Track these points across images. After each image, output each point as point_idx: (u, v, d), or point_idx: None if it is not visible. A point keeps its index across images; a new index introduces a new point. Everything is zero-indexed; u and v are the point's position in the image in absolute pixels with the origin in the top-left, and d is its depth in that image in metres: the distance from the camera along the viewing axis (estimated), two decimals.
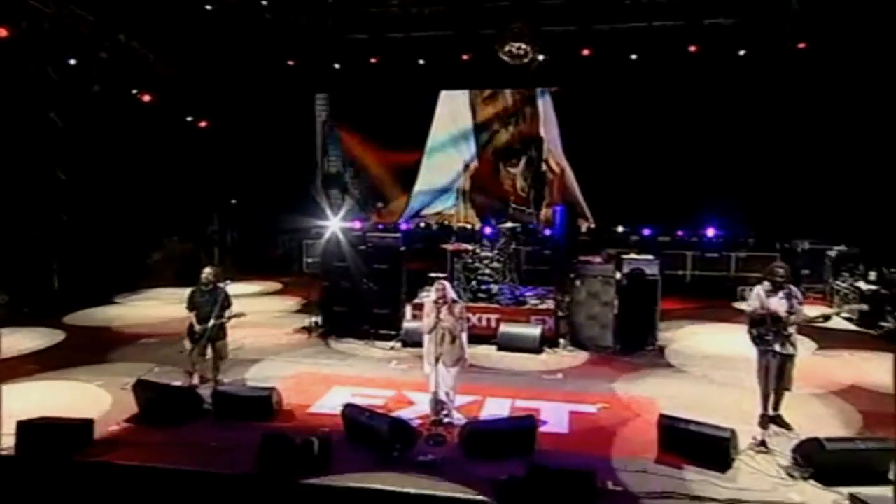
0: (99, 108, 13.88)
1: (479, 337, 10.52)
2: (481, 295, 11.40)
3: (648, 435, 7.14)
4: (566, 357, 10.35)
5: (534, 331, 10.63)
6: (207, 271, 8.61)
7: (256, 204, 18.26)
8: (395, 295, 11.50)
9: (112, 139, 14.37)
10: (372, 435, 6.74)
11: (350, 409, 7.09)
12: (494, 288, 11.42)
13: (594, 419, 7.83)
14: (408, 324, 10.97)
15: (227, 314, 8.58)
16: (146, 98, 14.59)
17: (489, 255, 11.68)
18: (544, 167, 16.93)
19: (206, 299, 8.52)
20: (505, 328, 10.74)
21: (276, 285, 15.96)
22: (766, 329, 7.04)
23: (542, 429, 7.33)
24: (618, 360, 10.12)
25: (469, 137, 17.83)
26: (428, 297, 7.48)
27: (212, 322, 8.25)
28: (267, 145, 17.46)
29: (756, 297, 7.24)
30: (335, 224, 14.02)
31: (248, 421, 7.45)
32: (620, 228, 15.86)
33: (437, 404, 7.36)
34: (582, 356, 10.36)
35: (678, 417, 6.80)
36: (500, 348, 10.53)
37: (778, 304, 7.06)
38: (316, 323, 11.73)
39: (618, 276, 10.67)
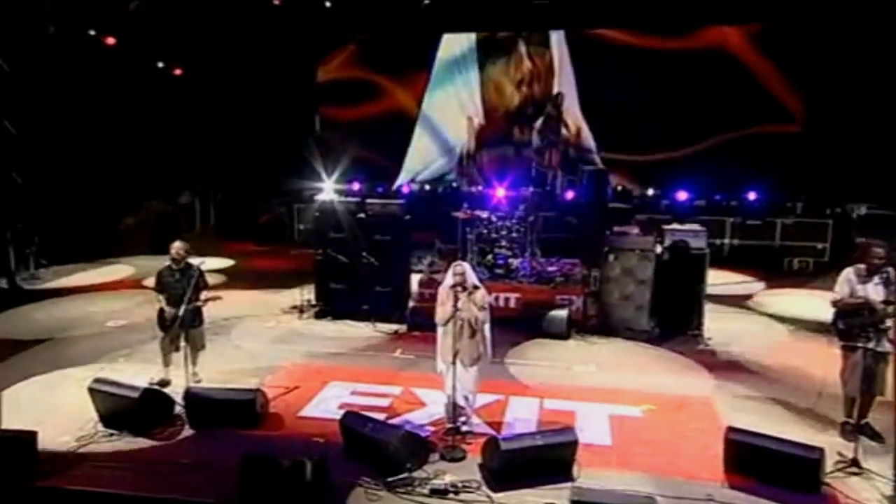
0: (54, 52, 12.60)
1: (497, 320, 9.53)
2: (499, 271, 10.40)
3: (709, 448, 6.23)
4: (597, 343, 9.40)
5: (560, 313, 9.66)
6: (177, 246, 7.60)
7: (242, 163, 17.13)
8: (400, 270, 10.51)
9: (71, 89, 13.14)
10: (377, 452, 5.82)
11: (350, 420, 6.14)
12: (514, 262, 10.42)
13: (640, 425, 6.90)
14: (414, 303, 10.01)
15: (202, 297, 7.60)
16: (109, 41, 13.30)
17: (507, 224, 10.62)
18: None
19: (176, 279, 7.55)
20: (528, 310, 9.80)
21: (264, 256, 14.89)
22: (859, 322, 6.05)
23: (580, 437, 6.40)
24: (657, 349, 9.18)
25: (474, 92, 16.58)
26: (444, 279, 6.47)
27: (184, 307, 7.25)
28: (252, 97, 16.23)
29: (846, 283, 6.25)
30: (330, 186, 13.04)
31: (227, 428, 6.53)
32: (651, 192, 14.76)
33: (454, 409, 6.43)
34: (616, 343, 9.42)
35: (750, 432, 5.86)
36: (523, 332, 9.56)
37: (873, 291, 6.07)
38: (309, 302, 10.76)
39: (658, 249, 9.65)
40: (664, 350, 9.13)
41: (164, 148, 15.47)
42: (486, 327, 6.43)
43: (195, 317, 7.65)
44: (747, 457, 5.70)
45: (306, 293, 10.84)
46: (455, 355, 6.25)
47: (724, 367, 8.55)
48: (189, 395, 6.70)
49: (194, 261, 7.67)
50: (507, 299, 10.10)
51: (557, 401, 7.40)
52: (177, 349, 7.68)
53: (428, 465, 5.93)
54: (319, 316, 10.44)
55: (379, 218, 10.49)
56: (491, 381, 7.32)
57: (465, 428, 6.50)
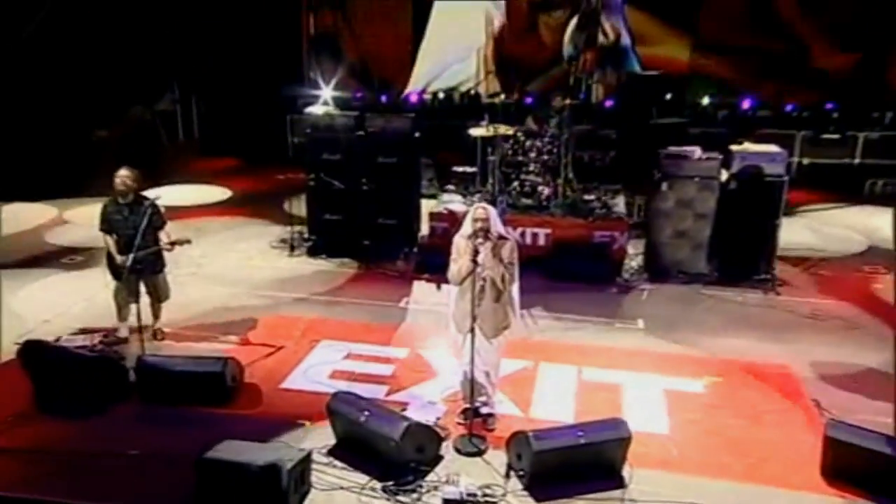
0: None
1: (523, 261, 8.45)
2: (526, 201, 9.17)
3: (797, 442, 5.23)
4: (644, 291, 8.28)
5: (600, 254, 8.53)
6: (123, 175, 6.45)
7: (228, 68, 15.63)
8: (408, 199, 9.34)
9: None
10: (374, 448, 4.85)
11: (340, 404, 5.14)
12: (545, 191, 9.17)
13: (704, 405, 5.87)
14: (425, 239, 8.89)
15: (163, 240, 6.51)
16: None
17: (538, 143, 9.30)
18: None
19: (125, 217, 6.45)
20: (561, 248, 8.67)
21: (251, 177, 13.67)
22: None
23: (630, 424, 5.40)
24: (717, 298, 8.06)
25: None
26: (462, 225, 5.29)
27: (134, 254, 6.17)
28: None
29: None
30: (328, 95, 11.69)
31: (190, 406, 5.59)
32: (707, 100, 13.21)
33: (472, 387, 5.40)
34: (666, 291, 8.29)
35: (857, 427, 4.79)
36: (554, 276, 8.46)
37: None
38: (301, 235, 9.68)
39: (723, 176, 8.35)
40: (726, 300, 8.02)
41: (141, 45, 13.98)
42: (515, 288, 5.31)
43: (155, 262, 6.60)
44: (852, 461, 4.67)
45: (298, 224, 9.74)
46: (473, 322, 5.17)
47: (802, 322, 7.43)
48: (141, 364, 5.72)
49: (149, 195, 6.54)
50: (534, 235, 8.94)
51: (599, 370, 6.36)
52: (136, 300, 6.68)
53: (439, 464, 4.97)
54: (313, 253, 9.37)
55: (382, 136, 9.20)
56: (516, 342, 6.27)
57: (485, 410, 5.51)
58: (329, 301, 7.93)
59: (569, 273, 8.46)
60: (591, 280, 8.39)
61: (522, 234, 8.89)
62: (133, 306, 6.54)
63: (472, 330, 5.16)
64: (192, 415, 5.53)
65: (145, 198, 6.51)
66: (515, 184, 9.25)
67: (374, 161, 9.11)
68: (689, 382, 6.18)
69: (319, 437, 5.26)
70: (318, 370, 6.31)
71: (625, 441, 4.80)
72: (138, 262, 6.24)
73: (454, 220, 8.82)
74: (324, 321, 7.38)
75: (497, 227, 5.17)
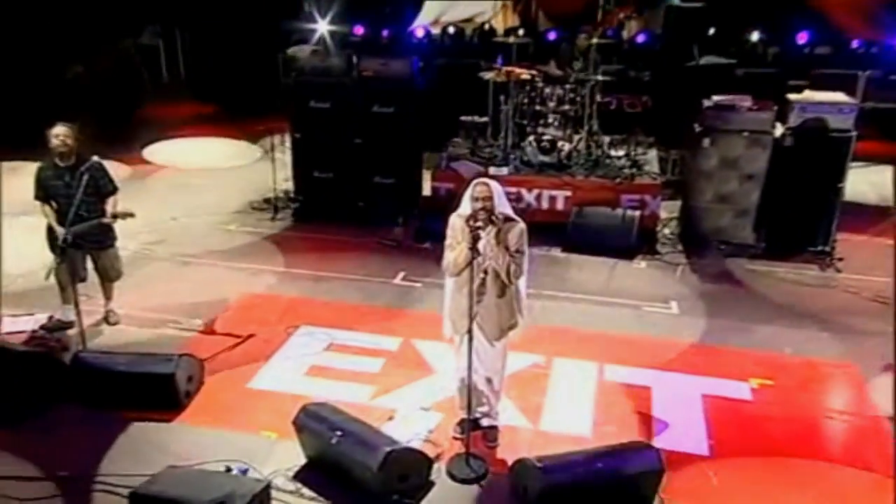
0: None
1: (540, 227, 7.71)
2: (545, 158, 8.29)
3: (869, 465, 4.48)
4: (678, 266, 7.46)
5: (627, 220, 7.68)
6: (58, 133, 5.64)
7: None
8: (407, 155, 8.49)
9: None
10: (350, 472, 4.18)
11: (310, 420, 4.44)
12: (565, 147, 8.28)
13: (751, 415, 5.13)
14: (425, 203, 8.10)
15: (108, 209, 5.76)
16: None
17: (559, 91, 8.35)
18: None
19: (66, 182, 5.69)
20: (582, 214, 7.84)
21: (231, 126, 12.72)
22: None
23: (659, 441, 4.70)
24: (765, 275, 7.25)
25: None
26: (461, 201, 4.46)
27: (73, 228, 5.44)
28: None
29: None
30: (324, 29, 10.71)
31: (138, 410, 4.93)
32: (756, 36, 12.03)
33: (470, 397, 4.69)
34: (705, 266, 7.47)
35: None
36: (572, 248, 7.67)
37: None
38: (287, 195, 8.91)
39: (778, 130, 7.41)
40: (776, 278, 7.20)
41: None
42: (522, 281, 4.53)
43: (102, 234, 5.87)
44: None
45: (283, 181, 8.96)
46: (472, 321, 4.41)
47: (868, 307, 6.59)
48: (79, 362, 5.05)
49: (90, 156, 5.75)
50: (552, 199, 8.11)
51: (623, 368, 5.61)
52: (82, 279, 6.01)
53: (429, 492, 4.29)
54: (299, 217, 8.62)
55: (379, 82, 8.31)
56: (526, 330, 5.53)
57: (486, 422, 4.80)
58: (314, 276, 7.20)
59: (590, 243, 7.67)
60: (616, 252, 7.58)
61: (538, 197, 8.10)
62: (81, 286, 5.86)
63: (470, 331, 4.42)
64: (138, 425, 4.86)
65: (85, 158, 5.72)
66: (531, 138, 8.35)
67: (370, 110, 8.25)
68: (733, 385, 5.42)
69: (287, 453, 4.58)
70: (293, 365, 5.61)
71: (655, 475, 4.07)
72: (79, 235, 5.53)
73: (461, 181, 8.01)
74: (305, 301, 6.68)
75: (502, 206, 4.35)
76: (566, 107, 8.32)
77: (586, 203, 7.96)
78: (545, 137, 8.32)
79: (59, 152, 5.64)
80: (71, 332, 5.97)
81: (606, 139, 8.71)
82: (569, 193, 8.06)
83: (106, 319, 6.21)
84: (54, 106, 12.44)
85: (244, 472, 4.34)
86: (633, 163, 8.44)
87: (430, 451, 4.58)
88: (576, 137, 8.49)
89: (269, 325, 6.19)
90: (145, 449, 4.59)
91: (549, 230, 7.67)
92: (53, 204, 5.77)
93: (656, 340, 6.03)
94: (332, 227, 8.29)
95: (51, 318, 6.16)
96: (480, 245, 4.27)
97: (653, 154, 8.87)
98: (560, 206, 8.09)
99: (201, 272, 7.25)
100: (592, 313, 6.48)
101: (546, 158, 8.28)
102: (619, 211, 7.86)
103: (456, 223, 4.41)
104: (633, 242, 7.65)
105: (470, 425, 4.72)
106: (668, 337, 6.09)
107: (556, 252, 7.65)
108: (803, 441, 4.84)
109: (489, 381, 4.66)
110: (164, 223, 8.24)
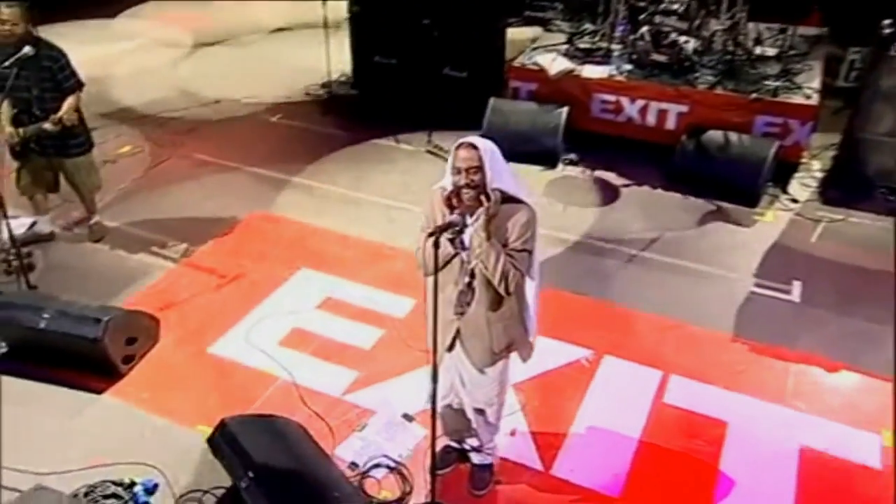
0: None
1: (639, 149, 6.08)
2: (659, 57, 6.36)
3: None
4: (818, 224, 5.57)
5: (758, 152, 5.79)
6: (4, 13, 4.53)
7: None
8: (486, 41, 6.83)
9: None
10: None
11: (226, 445, 3.34)
12: (688, 47, 6.28)
13: (878, 498, 3.51)
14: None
15: (65, 109, 4.71)
16: None
17: None
18: None
19: (16, 73, 4.61)
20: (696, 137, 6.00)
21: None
22: None
23: None
24: None
25: None
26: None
27: (21, 130, 4.49)
28: None
29: None
30: None
31: (69, 370, 4.06)
32: None
33: (458, 422, 3.43)
34: (857, 226, 5.55)
35: None
36: (675, 183, 5.95)
37: None
38: (344, 78, 7.59)
39: None
40: None
41: None
42: (530, 290, 3.07)
43: (63, 140, 4.85)
44: None
45: (341, 62, 7.61)
46: (455, 339, 3.07)
47: None
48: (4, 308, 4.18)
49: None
50: (661, 113, 6.27)
51: (695, 385, 4.09)
52: (53, 188, 5.15)
53: None
54: (353, 111, 7.28)
55: None
56: (578, 310, 4.18)
57: (477, 459, 3.53)
58: (344, 196, 5.98)
59: (702, 180, 5.89)
60: (734, 195, 5.77)
61: (643, 110, 6.30)
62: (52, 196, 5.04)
63: (451, 348, 3.10)
64: (58, 395, 3.99)
65: (37, 40, 4.64)
66: (645, 28, 6.37)
67: None
68: (855, 437, 3.77)
69: (204, 470, 3.54)
70: (269, 327, 4.51)
71: None
72: (33, 139, 4.59)
73: (544, 81, 6.36)
74: (321, 232, 5.50)
75: (500, 180, 2.82)
76: None
77: (706, 123, 6.07)
78: (665, 30, 6.33)
79: (2, 37, 4.55)
80: (49, 244, 5.24)
81: (755, 31, 6.57)
82: (684, 109, 6.18)
83: (90, 231, 5.37)
84: None
85: (150, 490, 3.40)
86: (785, 71, 6.30)
87: (392, 491, 3.44)
88: (712, 26, 6.39)
89: (265, 262, 5.10)
90: (54, 436, 3.73)
91: (649, 155, 6.01)
92: (9, 100, 4.77)
93: (757, 345, 4.38)
94: (388, 128, 6.94)
95: (32, 225, 5.37)
96: (466, 236, 2.85)
97: (817, 59, 6.63)
98: (670, 124, 6.26)
99: (217, 177, 6.22)
100: (674, 288, 4.88)
101: (661, 58, 6.33)
102: (750, 138, 5.94)
103: (434, 200, 2.96)
104: (760, 183, 5.78)
105: (454, 452, 3.54)
106: (775, 340, 4.42)
107: (647, 188, 5.95)
108: None
109: (480, 412, 3.34)
110: (200, 108, 7.20)
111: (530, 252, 2.93)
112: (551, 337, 4.24)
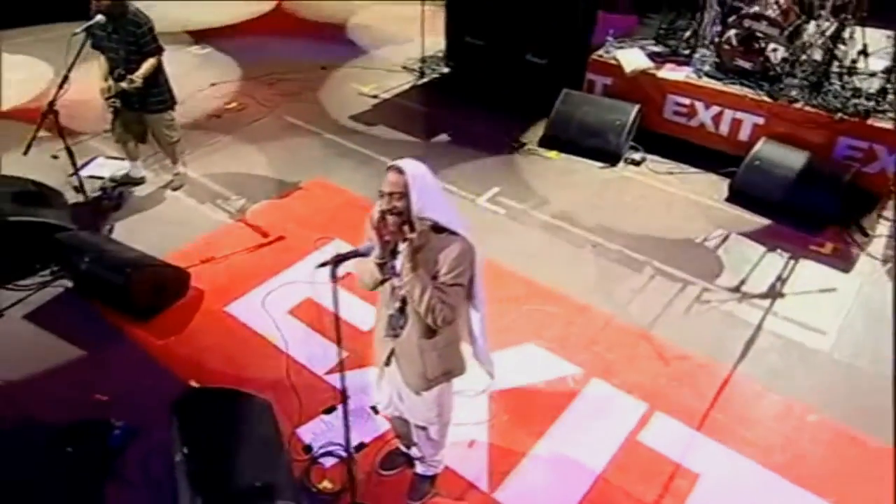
0: None
1: (707, 156, 5.28)
2: (743, 64, 5.40)
3: None
4: (886, 265, 4.58)
5: (832, 176, 4.82)
6: None
7: None
8: (570, 28, 6.11)
9: None
10: None
11: (183, 415, 3.20)
12: (776, 55, 5.28)
13: None
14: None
15: (142, 71, 4.67)
16: None
17: None
18: None
19: (107, 33, 4.69)
20: (766, 152, 5.09)
21: None
22: None
23: None
24: None
25: None
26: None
27: (120, 83, 4.58)
28: None
29: None
30: None
31: (103, 304, 4.11)
32: None
33: (403, 429, 3.11)
34: None
35: None
36: (737, 199, 5.11)
37: None
38: (440, 57, 7.15)
39: None
40: None
41: None
42: (476, 321, 2.64)
43: (143, 97, 4.83)
44: None
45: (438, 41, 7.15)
46: (390, 356, 2.72)
47: None
48: (68, 240, 4.26)
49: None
50: (735, 123, 5.36)
51: (678, 424, 3.49)
52: (141, 139, 5.20)
53: None
54: (443, 87, 6.86)
55: None
56: (586, 325, 3.79)
57: (420, 469, 3.20)
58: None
59: (770, 202, 4.99)
60: (800, 221, 4.85)
61: (717, 117, 5.41)
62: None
63: (387, 362, 2.75)
64: (91, 327, 4.03)
65: (126, 10, 4.59)
66: (731, 33, 5.41)
67: None
68: None
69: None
70: (285, 294, 4.33)
71: None
72: (120, 95, 4.65)
73: (620, 77, 5.64)
74: (362, 204, 5.19)
75: (429, 209, 2.37)
76: None
77: (782, 138, 5.12)
78: (758, 35, 5.34)
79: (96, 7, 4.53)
80: (135, 188, 5.33)
81: (865, 39, 5.41)
82: (761, 120, 5.25)
83: (170, 183, 5.39)
84: None
85: (126, 435, 3.36)
86: (883, 90, 5.15)
87: (334, 482, 3.19)
88: (807, 34, 5.34)
89: (308, 228, 4.90)
90: (79, 364, 3.79)
91: (716, 163, 5.19)
92: (105, 57, 4.80)
93: (767, 394, 3.65)
94: (470, 109, 6.49)
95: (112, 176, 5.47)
96: (397, 263, 2.46)
97: None
98: (744, 134, 5.35)
99: (298, 140, 6.06)
100: (693, 317, 4.17)
101: (746, 64, 5.37)
102: (825, 160, 4.95)
103: (374, 216, 2.55)
104: (832, 212, 4.81)
105: (401, 459, 3.24)
106: (790, 391, 3.67)
107: (708, 200, 5.14)
108: None
109: (422, 428, 2.98)
110: (310, 73, 7.04)
111: (462, 286, 2.48)
112: (548, 350, 3.79)
